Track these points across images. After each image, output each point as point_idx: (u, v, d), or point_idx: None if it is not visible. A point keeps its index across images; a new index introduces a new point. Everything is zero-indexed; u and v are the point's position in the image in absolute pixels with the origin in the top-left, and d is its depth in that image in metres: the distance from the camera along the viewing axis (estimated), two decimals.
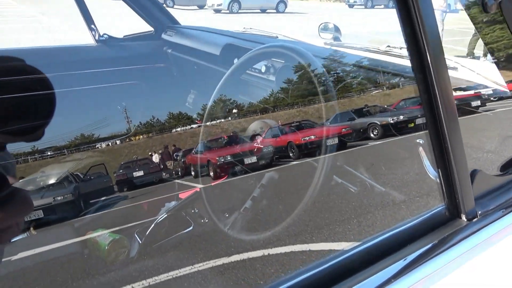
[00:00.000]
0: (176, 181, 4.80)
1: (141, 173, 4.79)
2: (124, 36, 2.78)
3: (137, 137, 5.11)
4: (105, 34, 2.69)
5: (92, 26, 2.66)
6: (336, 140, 4.81)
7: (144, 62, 2.75)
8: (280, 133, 4.96)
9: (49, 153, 4.28)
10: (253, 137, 4.32)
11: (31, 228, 2.99)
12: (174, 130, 5.24)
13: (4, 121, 0.40)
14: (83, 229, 3.47)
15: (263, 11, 7.45)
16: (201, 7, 7.52)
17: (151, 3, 2.66)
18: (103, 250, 1.69)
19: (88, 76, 2.34)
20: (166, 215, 1.73)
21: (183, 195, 1.97)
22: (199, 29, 2.74)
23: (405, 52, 1.89)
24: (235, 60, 2.15)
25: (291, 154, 4.92)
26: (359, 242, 0.89)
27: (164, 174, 4.92)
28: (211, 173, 4.50)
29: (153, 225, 1.76)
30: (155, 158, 5.00)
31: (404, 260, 0.87)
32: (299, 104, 4.92)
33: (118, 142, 4.97)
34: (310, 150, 4.78)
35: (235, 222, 1.39)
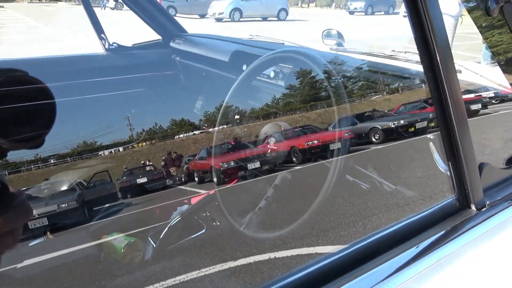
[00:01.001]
0: (180, 187, 4.85)
1: (144, 179, 4.82)
2: (133, 45, 2.85)
3: (140, 144, 5.16)
4: (114, 43, 2.75)
5: (102, 35, 2.72)
6: (339, 145, 4.87)
7: (152, 70, 2.81)
8: (283, 138, 5.00)
9: (52, 161, 4.33)
10: (265, 140, 4.39)
11: (48, 233, 3.03)
12: (177, 136, 5.31)
13: (4, 129, 0.42)
14: (92, 235, 3.51)
15: (265, 19, 7.53)
16: (202, 16, 7.61)
17: (158, 12, 2.73)
18: (119, 253, 1.73)
19: (98, 84, 2.39)
20: (179, 218, 1.77)
21: (195, 199, 2.02)
22: (206, 36, 2.81)
23: (410, 56, 1.95)
24: (244, 67, 2.21)
25: (294, 159, 4.95)
26: (376, 230, 0.95)
27: (167, 180, 4.97)
28: (215, 179, 4.54)
29: (166, 228, 1.80)
30: (150, 166, 5.05)
31: (417, 247, 0.93)
32: (302, 109, 4.99)
33: (121, 149, 5.03)
34: (313, 155, 4.83)
35: (250, 221, 1.44)
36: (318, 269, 0.86)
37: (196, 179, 4.82)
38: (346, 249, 0.89)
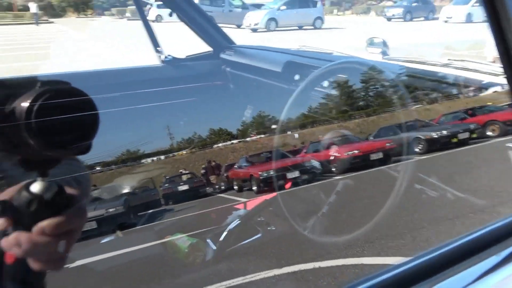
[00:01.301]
0: (220, 195, 4.94)
1: (186, 187, 4.97)
2: (186, 56, 2.96)
3: (181, 153, 5.34)
4: (169, 55, 2.87)
5: (158, 48, 2.85)
6: (380, 155, 4.80)
7: (204, 80, 2.90)
8: (322, 148, 4.97)
9: (98, 168, 4.56)
10: (328, 147, 4.44)
11: (118, 231, 3.19)
12: (215, 145, 5.45)
13: (51, 138, 0.45)
14: (139, 238, 3.64)
15: (300, 27, 7.57)
16: (238, 26, 7.78)
17: (209, 25, 2.83)
18: (182, 253, 1.81)
19: (154, 94, 2.49)
20: (238, 222, 1.82)
21: (251, 204, 2.08)
22: (256, 48, 2.88)
23: (467, 64, 1.94)
24: (297, 77, 2.25)
25: (333, 169, 4.89)
26: (455, 237, 0.95)
27: (207, 188, 5.10)
28: (255, 187, 4.59)
29: (226, 232, 1.85)
30: (189, 175, 5.21)
31: (498, 255, 0.92)
32: (357, 116, 4.98)
33: (162, 157, 5.23)
34: (353, 164, 4.77)
35: (314, 225, 1.47)
36: (392, 277, 0.86)
37: (236, 187, 4.90)
38: (421, 256, 0.89)
